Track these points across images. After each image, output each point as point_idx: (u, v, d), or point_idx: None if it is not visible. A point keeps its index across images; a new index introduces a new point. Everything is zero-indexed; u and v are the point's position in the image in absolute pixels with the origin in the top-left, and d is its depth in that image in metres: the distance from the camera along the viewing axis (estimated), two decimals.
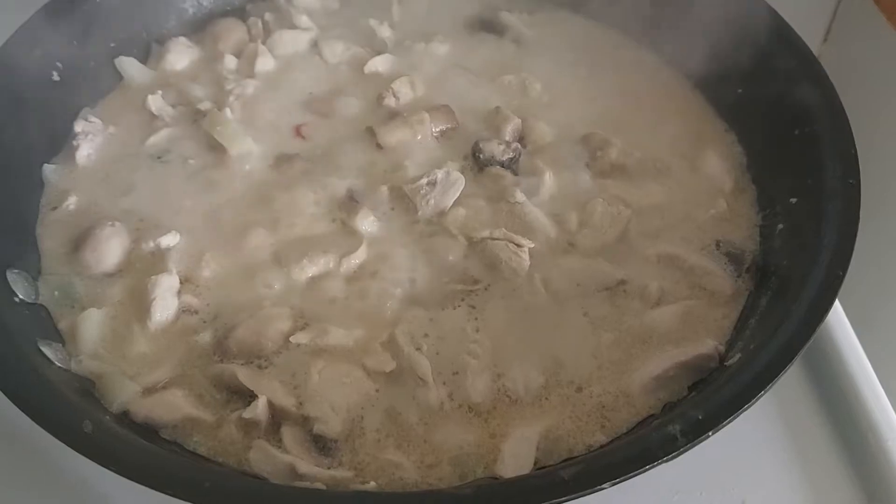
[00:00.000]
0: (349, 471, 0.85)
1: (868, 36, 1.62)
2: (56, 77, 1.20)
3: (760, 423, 0.99)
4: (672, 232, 1.09)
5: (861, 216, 0.95)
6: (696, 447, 0.78)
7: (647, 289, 1.02)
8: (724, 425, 0.77)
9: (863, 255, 0.92)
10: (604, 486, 0.72)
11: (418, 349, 0.95)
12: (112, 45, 1.30)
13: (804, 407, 1.00)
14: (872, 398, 0.97)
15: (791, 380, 1.02)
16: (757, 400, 0.79)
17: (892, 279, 1.39)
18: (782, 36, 1.17)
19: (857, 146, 1.01)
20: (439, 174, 1.11)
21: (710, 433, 0.76)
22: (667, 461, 0.74)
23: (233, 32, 1.35)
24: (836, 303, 1.04)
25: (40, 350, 0.91)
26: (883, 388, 0.99)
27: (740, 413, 0.78)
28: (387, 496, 0.81)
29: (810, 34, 1.18)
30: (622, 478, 0.73)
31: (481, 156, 1.16)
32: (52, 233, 1.09)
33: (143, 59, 1.33)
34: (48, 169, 1.15)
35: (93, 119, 1.21)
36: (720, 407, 0.79)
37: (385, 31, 1.36)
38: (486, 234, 1.05)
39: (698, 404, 0.81)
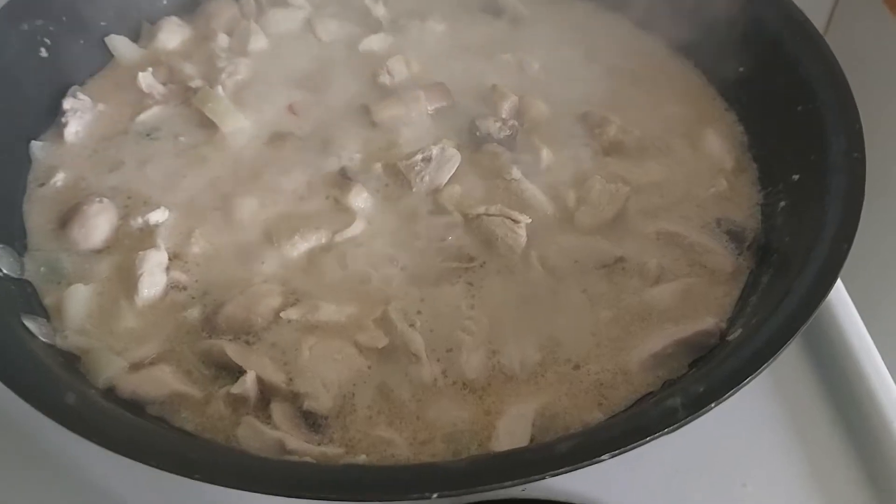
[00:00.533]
0: (340, 447, 0.83)
1: (869, 25, 1.60)
2: (44, 53, 1.18)
3: (761, 403, 0.96)
4: (672, 210, 1.07)
5: (865, 196, 0.93)
6: (698, 428, 0.76)
7: (646, 266, 1.00)
8: (726, 398, 0.75)
9: (865, 238, 0.90)
10: (602, 458, 0.70)
11: (412, 326, 0.93)
12: (102, 23, 1.27)
13: (805, 387, 0.98)
14: (876, 378, 0.95)
15: (792, 359, 1.00)
16: (759, 373, 0.77)
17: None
18: (783, 11, 1.16)
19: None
20: (434, 150, 1.09)
21: (712, 405, 0.74)
22: (667, 433, 0.72)
23: (225, 11, 1.33)
24: (839, 282, 1.02)
25: (24, 325, 0.89)
26: (887, 368, 0.97)
27: (742, 386, 0.76)
28: (377, 469, 0.78)
29: None
30: (621, 450, 0.70)
31: (477, 133, 1.14)
32: (39, 209, 1.07)
33: (135, 38, 1.30)
34: (35, 146, 1.13)
35: (82, 96, 1.19)
36: (722, 380, 0.77)
37: (380, 10, 1.34)
38: (481, 210, 1.03)
39: (699, 378, 0.79)
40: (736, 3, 1.21)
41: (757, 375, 0.77)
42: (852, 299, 1.05)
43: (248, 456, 0.78)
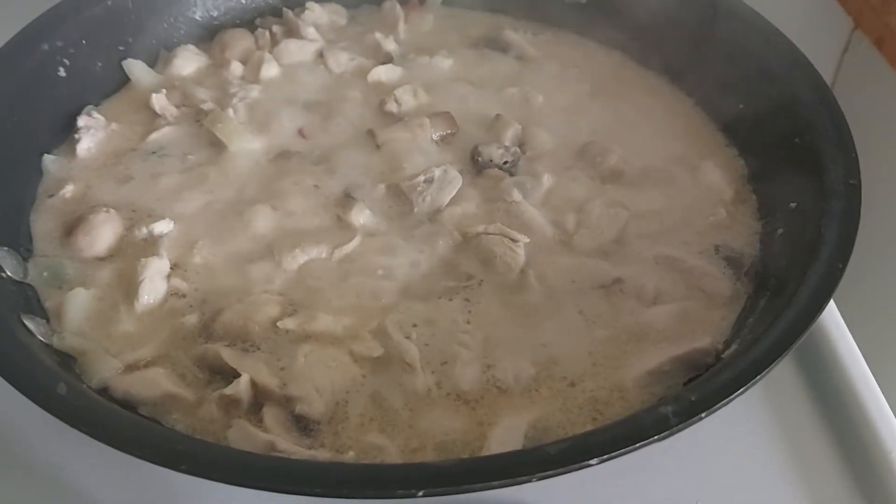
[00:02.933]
0: (330, 451, 0.82)
1: (874, 84, 1.63)
2: (62, 73, 1.21)
3: (753, 421, 0.95)
4: (671, 236, 1.08)
5: (861, 224, 0.94)
6: (689, 441, 0.76)
7: (643, 288, 1.00)
8: (718, 408, 0.74)
9: (857, 261, 0.91)
10: (591, 462, 0.69)
11: (407, 337, 0.93)
12: (121, 48, 1.31)
13: (797, 403, 0.97)
14: (868, 395, 0.94)
15: (785, 376, 0.99)
16: (752, 385, 0.76)
17: (889, 285, 1.37)
18: (781, 49, 1.19)
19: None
20: (437, 172, 1.11)
21: (703, 415, 0.73)
22: (658, 440, 0.71)
23: (240, 41, 1.38)
24: (832, 302, 1.02)
25: (22, 323, 0.90)
26: (879, 386, 0.96)
27: (734, 397, 0.75)
28: (364, 466, 0.78)
29: None
30: (610, 455, 0.70)
31: (480, 158, 1.16)
32: (46, 217, 1.08)
33: (151, 63, 1.34)
34: (48, 159, 1.16)
35: (96, 115, 1.22)
36: (714, 390, 0.76)
37: (390, 45, 1.38)
38: (480, 229, 1.04)
39: (692, 388, 0.78)
40: (735, 43, 1.25)
41: (749, 388, 0.76)
42: (844, 320, 1.04)
43: (234, 451, 0.77)
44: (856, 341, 1.03)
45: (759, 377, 0.76)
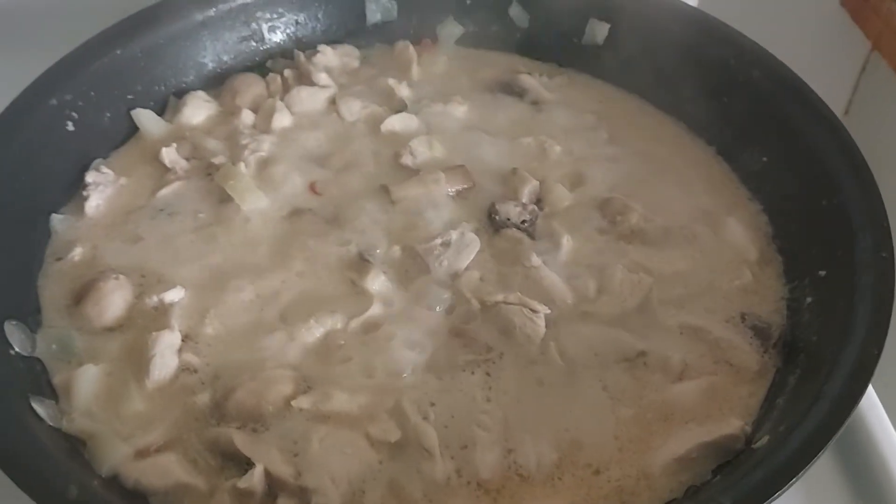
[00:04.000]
0: None
1: (891, 105, 1.60)
2: (71, 127, 1.19)
3: None
4: (695, 301, 1.05)
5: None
6: None
7: (668, 361, 0.97)
8: None
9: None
10: None
11: (425, 418, 0.90)
12: (129, 97, 1.29)
13: (835, 498, 0.93)
14: None
15: (821, 467, 0.96)
16: (789, 487, 0.73)
17: None
18: (807, 103, 1.15)
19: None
20: (454, 235, 1.08)
21: None
22: None
23: (251, 87, 1.35)
24: (870, 386, 0.99)
25: (31, 407, 0.87)
26: None
27: (771, 501, 0.72)
28: None
29: (831, 107, 1.15)
30: None
31: (497, 217, 1.13)
32: (54, 284, 1.06)
33: (160, 111, 1.32)
34: (56, 219, 1.13)
35: (105, 170, 1.20)
36: (750, 492, 0.74)
37: (404, 91, 1.35)
38: (500, 297, 1.01)
39: (725, 490, 0.76)
40: (758, 93, 1.21)
41: (787, 489, 0.73)
42: (882, 402, 1.01)
43: None
44: (891, 409, 0.99)
45: (794, 479, 0.74)
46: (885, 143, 1.54)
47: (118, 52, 1.25)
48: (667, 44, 1.31)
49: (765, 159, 1.19)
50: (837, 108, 1.65)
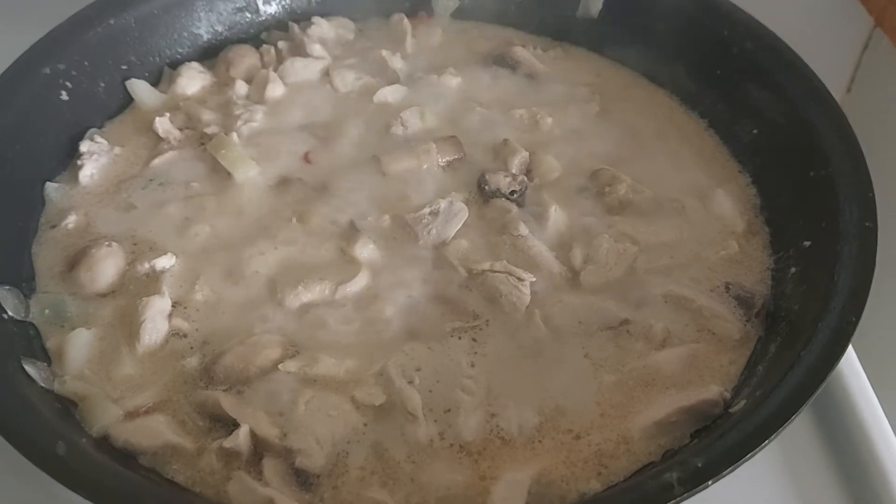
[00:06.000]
0: None
1: (893, 84, 1.59)
2: (65, 97, 1.20)
3: (765, 477, 0.93)
4: (681, 272, 1.06)
5: (878, 262, 0.91)
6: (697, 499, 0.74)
7: (651, 329, 0.98)
8: (725, 475, 0.73)
9: (881, 304, 0.88)
10: None
11: (410, 382, 0.92)
12: (124, 67, 1.29)
13: (812, 460, 0.95)
14: (886, 453, 0.92)
15: (799, 430, 0.97)
16: (760, 449, 0.74)
17: None
18: (800, 76, 1.15)
19: (877, 197, 0.97)
20: (442, 204, 1.09)
21: (709, 482, 0.72)
22: None
23: (245, 58, 1.35)
24: (851, 350, 1.00)
25: (23, 368, 0.89)
26: None
27: (742, 462, 0.74)
28: None
29: (834, 84, 1.15)
30: None
31: (487, 187, 1.14)
32: (48, 251, 1.08)
33: (155, 82, 1.32)
34: (50, 187, 1.15)
35: (99, 139, 1.21)
36: (721, 455, 0.75)
37: (397, 63, 1.35)
38: (486, 266, 1.02)
39: (698, 451, 0.77)
40: (751, 64, 1.21)
41: (758, 451, 0.75)
42: (864, 368, 1.02)
43: None
44: (873, 376, 1.00)
45: (766, 441, 0.75)
46: (888, 120, 1.53)
47: (111, 21, 1.26)
48: (661, 16, 1.31)
49: (755, 131, 1.19)
50: (840, 86, 1.64)
